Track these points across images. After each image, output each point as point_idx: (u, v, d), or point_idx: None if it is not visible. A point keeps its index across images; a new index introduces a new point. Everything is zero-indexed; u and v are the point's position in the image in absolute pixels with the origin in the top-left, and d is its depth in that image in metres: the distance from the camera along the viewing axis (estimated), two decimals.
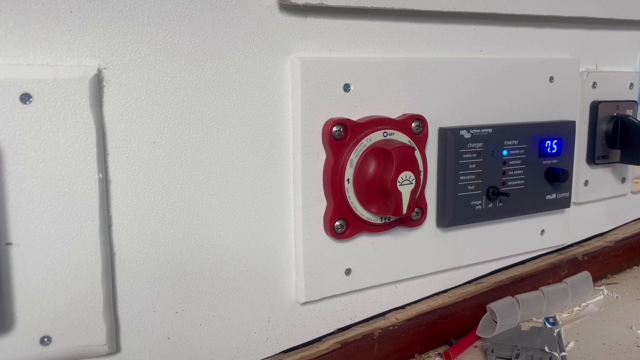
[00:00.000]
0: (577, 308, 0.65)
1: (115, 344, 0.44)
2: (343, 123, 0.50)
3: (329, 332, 0.55)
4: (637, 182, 0.77)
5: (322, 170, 0.51)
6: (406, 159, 0.50)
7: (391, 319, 0.58)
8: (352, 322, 0.57)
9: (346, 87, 0.51)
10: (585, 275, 0.67)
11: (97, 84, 0.41)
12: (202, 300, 0.48)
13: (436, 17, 0.57)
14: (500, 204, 0.61)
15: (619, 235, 0.76)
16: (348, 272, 0.54)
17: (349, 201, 0.51)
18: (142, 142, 0.43)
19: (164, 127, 0.44)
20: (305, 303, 0.53)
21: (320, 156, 0.51)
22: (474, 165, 0.58)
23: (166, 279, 0.46)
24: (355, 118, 0.51)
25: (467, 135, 0.57)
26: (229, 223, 0.48)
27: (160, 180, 0.44)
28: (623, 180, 0.75)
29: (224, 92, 0.46)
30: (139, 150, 0.43)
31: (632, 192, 0.78)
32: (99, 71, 0.41)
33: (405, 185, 0.50)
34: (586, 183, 0.71)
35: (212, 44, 0.45)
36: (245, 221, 0.49)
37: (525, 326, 0.61)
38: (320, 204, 0.51)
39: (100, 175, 0.41)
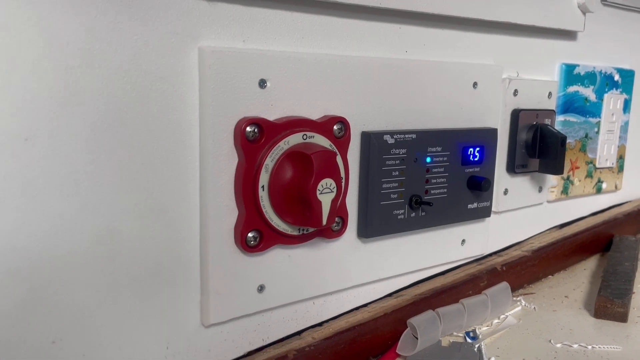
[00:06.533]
0: (496, 320, 0.64)
1: None
2: (258, 123, 0.45)
3: (238, 356, 0.49)
4: (553, 192, 0.78)
5: (234, 176, 0.45)
6: (327, 165, 0.45)
7: (307, 339, 0.53)
8: (265, 343, 0.51)
9: (262, 83, 0.45)
10: (504, 286, 0.66)
11: None
12: (85, 326, 0.40)
13: (361, 13, 0.53)
14: (423, 214, 0.58)
15: (535, 244, 0.76)
16: (261, 289, 0.48)
17: (264, 210, 0.46)
18: (10, 139, 0.36)
19: (37, 121, 0.36)
20: (211, 325, 0.47)
21: (231, 160, 0.45)
22: (397, 173, 0.55)
23: (39, 303, 0.38)
24: (271, 118, 0.46)
25: (390, 140, 0.54)
26: (122, 233, 0.41)
27: (30, 185, 0.37)
28: (540, 189, 0.75)
29: (115, 82, 0.39)
30: (6, 148, 0.36)
31: (547, 201, 0.78)
32: None
33: (325, 193, 0.45)
34: (505, 192, 0.70)
35: (101, 24, 0.38)
36: (141, 233, 0.42)
37: (445, 341, 0.59)
38: (230, 213, 0.45)
39: None
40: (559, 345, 0.59)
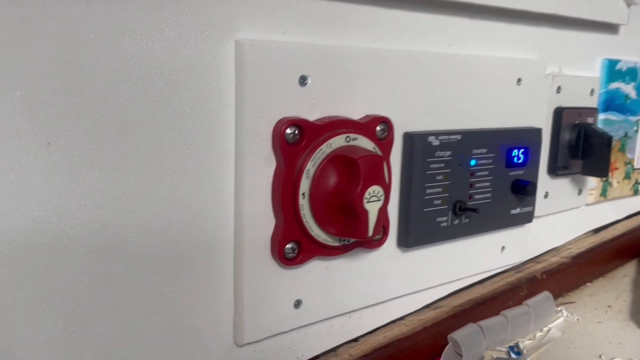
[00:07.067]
0: (539, 333, 0.60)
1: None
2: (298, 124, 0.40)
3: None
4: (591, 194, 0.74)
5: (272, 182, 0.41)
6: (374, 171, 0.41)
7: (344, 355, 0.49)
8: None
9: (302, 80, 0.41)
10: (546, 296, 0.62)
11: None
12: (109, 350, 0.36)
13: (404, 3, 0.48)
14: (466, 220, 0.54)
15: (574, 250, 0.71)
16: (298, 304, 0.44)
17: (304, 220, 0.42)
18: (32, 143, 0.32)
19: (61, 124, 0.32)
20: (245, 344, 0.43)
21: (269, 164, 0.41)
22: (441, 177, 0.51)
23: (63, 327, 0.34)
24: (312, 118, 0.42)
25: (435, 142, 0.49)
26: (149, 246, 0.37)
27: (50, 199, 0.33)
28: (580, 192, 0.71)
29: (147, 77, 0.35)
30: (29, 153, 0.32)
31: (586, 204, 0.74)
32: None
33: (372, 202, 0.41)
34: (546, 195, 0.66)
35: (132, 15, 0.34)
36: (171, 244, 0.38)
37: (488, 357, 0.55)
38: (268, 223, 0.41)
39: None
40: None
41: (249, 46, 0.38)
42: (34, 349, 0.33)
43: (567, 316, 0.64)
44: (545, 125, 0.63)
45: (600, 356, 0.56)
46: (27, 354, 0.33)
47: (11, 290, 0.32)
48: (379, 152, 0.45)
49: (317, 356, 0.48)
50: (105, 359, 0.36)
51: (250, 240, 0.41)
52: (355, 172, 0.40)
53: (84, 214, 0.34)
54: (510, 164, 0.57)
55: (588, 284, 0.73)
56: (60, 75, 0.32)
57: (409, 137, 0.49)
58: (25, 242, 0.32)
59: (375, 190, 0.41)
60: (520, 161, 0.58)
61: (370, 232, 0.41)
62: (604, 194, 0.76)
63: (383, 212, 0.43)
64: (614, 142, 0.74)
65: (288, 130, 0.40)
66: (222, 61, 0.38)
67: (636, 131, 0.79)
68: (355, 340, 0.51)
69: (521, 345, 0.57)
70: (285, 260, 0.42)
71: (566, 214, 0.71)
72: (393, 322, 0.54)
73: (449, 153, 0.51)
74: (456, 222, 0.53)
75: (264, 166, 0.40)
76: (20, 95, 0.31)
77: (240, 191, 0.40)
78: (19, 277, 0.32)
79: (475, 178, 0.53)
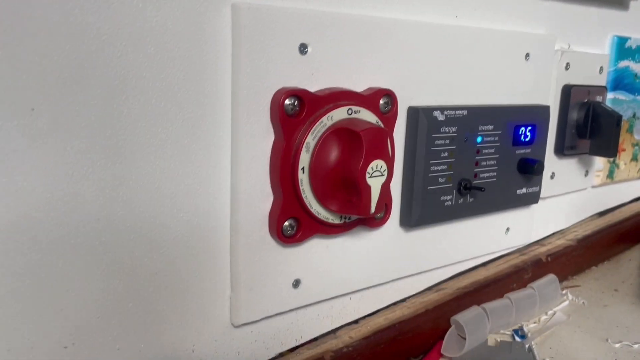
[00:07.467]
0: (544, 316, 0.58)
1: None
2: (298, 95, 0.38)
3: (269, 359, 0.44)
4: (598, 176, 0.72)
5: (269, 156, 0.39)
6: (378, 145, 0.39)
7: (344, 338, 0.47)
8: (298, 343, 0.46)
9: (302, 48, 0.39)
10: (551, 278, 0.60)
11: None
12: (99, 329, 0.35)
13: None
14: (471, 200, 0.52)
15: (580, 232, 0.70)
16: (296, 283, 0.43)
17: (303, 196, 0.40)
18: (17, 108, 0.30)
19: (46, 89, 0.30)
20: (242, 325, 0.41)
21: (267, 137, 0.39)
22: (446, 154, 0.49)
23: (51, 304, 0.32)
24: (313, 89, 0.40)
25: (440, 117, 0.47)
26: (140, 222, 0.35)
27: (29, 167, 0.31)
28: (586, 173, 0.69)
29: (137, 42, 0.33)
30: (13, 118, 0.29)
31: (592, 186, 0.72)
32: None
33: (375, 177, 0.39)
34: (552, 176, 0.64)
35: None
36: (163, 220, 0.36)
37: (491, 340, 0.53)
38: (265, 199, 0.40)
39: None
40: (617, 345, 0.53)
41: (247, 10, 0.36)
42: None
43: (572, 299, 0.62)
44: (553, 103, 0.61)
45: (607, 339, 0.54)
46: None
47: None
48: (382, 125, 0.43)
49: (316, 338, 0.47)
50: (99, 340, 0.35)
51: (247, 216, 0.39)
52: (358, 145, 0.38)
53: (70, 186, 0.32)
54: (517, 142, 0.55)
55: (593, 267, 0.71)
56: (45, 36, 0.30)
57: (413, 112, 0.47)
58: (8, 214, 0.30)
59: (378, 164, 0.39)
60: (527, 139, 0.56)
61: (373, 209, 0.40)
62: (610, 175, 0.74)
63: (386, 189, 0.41)
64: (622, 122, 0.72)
65: (287, 101, 0.38)
66: (218, 25, 0.36)
67: None
68: (356, 322, 0.49)
69: (525, 329, 0.55)
70: (284, 237, 0.40)
71: (572, 196, 0.70)
72: (395, 304, 0.52)
73: (454, 129, 0.49)
74: (461, 201, 0.51)
75: (261, 139, 0.38)
76: (2, 56, 0.29)
77: (237, 165, 0.38)
78: (4, 251, 0.30)
79: (481, 156, 0.52)
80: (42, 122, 0.30)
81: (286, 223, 0.40)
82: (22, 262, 0.31)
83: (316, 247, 0.43)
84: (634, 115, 0.75)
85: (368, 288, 0.49)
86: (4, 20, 0.28)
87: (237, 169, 0.38)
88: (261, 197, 0.39)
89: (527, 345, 0.52)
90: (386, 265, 0.49)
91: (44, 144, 0.31)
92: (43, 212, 0.31)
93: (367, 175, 0.39)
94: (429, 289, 0.55)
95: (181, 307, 0.38)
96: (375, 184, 0.39)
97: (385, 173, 0.40)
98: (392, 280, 0.51)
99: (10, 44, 0.29)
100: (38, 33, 0.29)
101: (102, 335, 0.35)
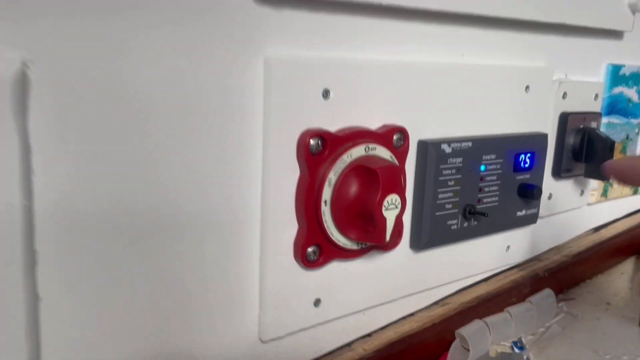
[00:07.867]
0: (541, 329, 0.63)
1: None
2: (322, 135, 0.43)
3: None
4: (593, 195, 0.76)
5: (296, 190, 0.44)
6: (393, 180, 0.44)
7: (358, 350, 0.52)
8: (317, 355, 0.50)
9: (325, 94, 0.44)
10: (548, 293, 0.65)
11: (22, 83, 0.31)
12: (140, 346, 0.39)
13: (420, 17, 0.50)
14: (475, 223, 0.57)
15: (574, 248, 0.74)
16: (317, 302, 0.47)
17: (325, 226, 0.44)
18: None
19: (92, 137, 0.35)
20: (269, 340, 0.46)
21: (294, 173, 0.43)
22: (452, 182, 0.53)
23: (98, 325, 0.37)
24: (333, 129, 0.44)
25: (448, 149, 0.52)
26: (181, 249, 0.40)
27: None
28: (582, 192, 0.73)
29: (183, 94, 0.37)
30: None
31: (587, 204, 0.77)
32: (24, 65, 0.31)
33: (390, 210, 0.44)
34: (550, 197, 0.69)
35: (169, 35, 0.36)
36: (202, 249, 0.41)
37: (492, 351, 0.58)
38: (291, 227, 0.44)
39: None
40: (607, 357, 0.58)
41: (277, 62, 0.40)
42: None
43: (567, 312, 0.67)
44: (551, 130, 0.66)
45: (598, 351, 0.59)
46: None
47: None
48: (396, 161, 0.47)
49: (334, 350, 0.51)
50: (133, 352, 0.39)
51: (275, 243, 0.44)
52: (375, 181, 0.43)
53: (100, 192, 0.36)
54: (517, 168, 0.59)
55: (587, 280, 0.76)
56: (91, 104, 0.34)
57: (423, 145, 0.51)
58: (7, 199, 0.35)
59: (393, 198, 0.44)
60: (526, 165, 0.60)
61: (388, 238, 0.44)
62: (604, 194, 0.78)
63: (400, 219, 0.45)
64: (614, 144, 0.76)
65: (312, 141, 0.42)
66: (252, 76, 0.40)
67: (637, 133, 0.81)
68: (369, 335, 0.54)
69: (524, 340, 0.60)
70: (307, 262, 0.45)
71: (568, 214, 0.74)
72: (404, 318, 0.57)
73: (460, 160, 0.53)
74: (465, 224, 0.55)
75: (288, 175, 0.43)
76: None
77: (267, 198, 0.43)
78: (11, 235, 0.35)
79: (484, 183, 0.56)
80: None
81: (309, 249, 0.44)
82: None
83: (335, 269, 0.48)
84: (627, 137, 0.79)
85: (380, 304, 0.54)
86: None
87: (267, 202, 0.43)
88: (288, 226, 0.44)
89: (525, 357, 0.57)
90: (397, 283, 0.54)
91: None
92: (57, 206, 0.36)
93: (384, 209, 0.43)
94: (435, 303, 0.60)
95: (215, 323, 0.43)
96: (390, 216, 0.44)
97: (400, 206, 0.44)
98: (402, 297, 0.55)
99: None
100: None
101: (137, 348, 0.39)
